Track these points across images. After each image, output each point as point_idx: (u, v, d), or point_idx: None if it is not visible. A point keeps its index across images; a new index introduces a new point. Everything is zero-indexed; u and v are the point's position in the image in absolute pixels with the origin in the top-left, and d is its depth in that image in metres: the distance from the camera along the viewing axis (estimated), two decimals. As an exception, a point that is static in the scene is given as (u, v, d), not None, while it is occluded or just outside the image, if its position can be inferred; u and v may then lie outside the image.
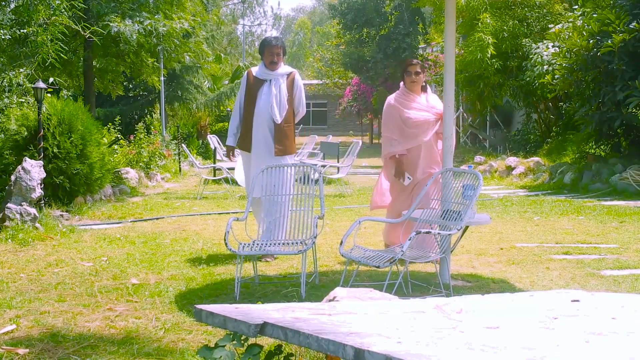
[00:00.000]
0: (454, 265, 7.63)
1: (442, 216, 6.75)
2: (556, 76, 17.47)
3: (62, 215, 11.12)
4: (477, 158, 22.84)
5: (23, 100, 13.74)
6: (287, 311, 3.28)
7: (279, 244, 6.98)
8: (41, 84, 11.30)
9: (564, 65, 17.04)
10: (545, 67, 18.36)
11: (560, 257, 8.39)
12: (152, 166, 19.38)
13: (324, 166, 17.65)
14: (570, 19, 18.05)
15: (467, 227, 6.99)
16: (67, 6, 13.08)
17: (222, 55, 42.03)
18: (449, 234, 6.39)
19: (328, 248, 8.85)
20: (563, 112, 22.32)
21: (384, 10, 43.86)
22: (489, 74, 21.99)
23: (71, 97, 18.83)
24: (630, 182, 14.93)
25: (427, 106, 7.99)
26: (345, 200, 15.10)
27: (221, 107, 34.01)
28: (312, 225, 6.82)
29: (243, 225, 7.11)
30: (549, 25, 21.03)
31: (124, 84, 23.92)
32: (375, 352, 2.45)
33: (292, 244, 6.92)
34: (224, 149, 17.47)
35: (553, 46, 18.59)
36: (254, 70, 8.57)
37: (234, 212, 12.09)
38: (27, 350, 4.82)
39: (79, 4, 13.42)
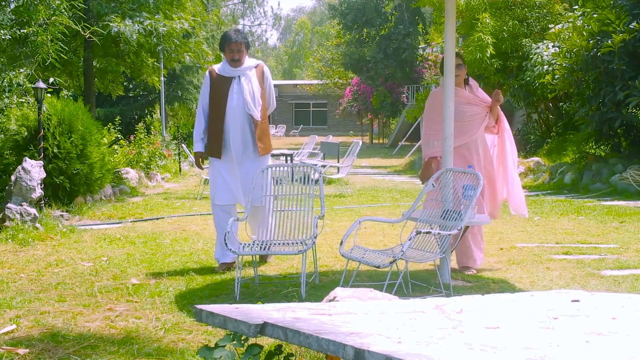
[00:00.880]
0: (454, 265, 7.63)
1: (442, 216, 6.75)
2: (556, 76, 17.48)
3: (62, 216, 11.12)
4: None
5: (23, 101, 13.74)
6: (287, 311, 3.28)
7: (279, 244, 6.98)
8: (41, 84, 11.31)
9: (564, 65, 17.05)
10: (546, 67, 18.38)
11: (560, 257, 8.39)
12: (152, 166, 19.39)
13: (324, 166, 17.64)
14: (571, 19, 18.07)
15: (467, 227, 6.98)
16: (67, 6, 13.09)
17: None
18: (449, 234, 6.39)
19: (328, 248, 8.84)
20: (563, 112, 22.31)
21: (384, 10, 43.92)
22: (489, 74, 22.00)
23: (71, 97, 18.84)
24: (631, 182, 14.93)
25: (474, 99, 7.67)
26: (346, 200, 15.10)
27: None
28: (312, 226, 6.82)
29: (243, 225, 7.11)
30: (549, 26, 21.05)
31: (124, 84, 23.95)
32: (375, 352, 2.45)
33: (292, 244, 6.91)
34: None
35: (553, 46, 18.60)
36: (217, 68, 7.87)
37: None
38: (27, 350, 4.82)
39: (79, 4, 13.43)
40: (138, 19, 15.96)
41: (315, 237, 6.66)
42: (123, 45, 16.20)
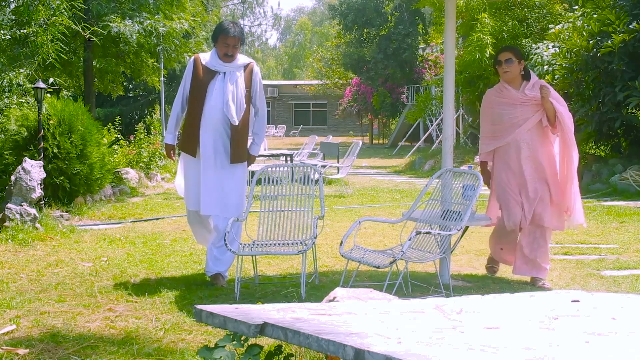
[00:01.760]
0: (454, 265, 7.63)
1: (442, 216, 6.75)
2: (556, 76, 17.47)
3: (62, 216, 11.12)
4: (477, 158, 22.84)
5: (23, 101, 13.73)
6: (287, 311, 3.28)
7: (279, 244, 6.97)
8: (41, 84, 11.31)
9: (564, 65, 17.04)
10: (546, 67, 18.36)
11: (560, 257, 8.39)
12: (152, 166, 19.37)
13: (324, 166, 17.64)
14: (570, 20, 18.06)
15: (467, 227, 6.99)
16: (67, 6, 13.08)
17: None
18: (449, 234, 6.39)
19: (328, 248, 8.84)
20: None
21: (384, 10, 43.93)
22: (489, 74, 21.98)
23: (71, 98, 18.80)
24: (631, 182, 14.93)
25: (521, 98, 6.89)
26: (346, 200, 15.10)
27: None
28: (312, 226, 6.82)
29: (242, 225, 7.10)
30: (549, 26, 21.04)
31: (124, 84, 23.92)
32: (375, 353, 2.45)
33: (292, 244, 6.91)
34: None
35: (553, 46, 18.59)
36: (204, 57, 7.12)
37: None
38: (27, 350, 4.82)
39: (79, 4, 13.42)
40: (138, 19, 15.95)
41: (315, 238, 6.66)
42: (123, 45, 16.18)
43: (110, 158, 15.08)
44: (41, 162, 10.74)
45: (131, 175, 16.57)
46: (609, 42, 15.04)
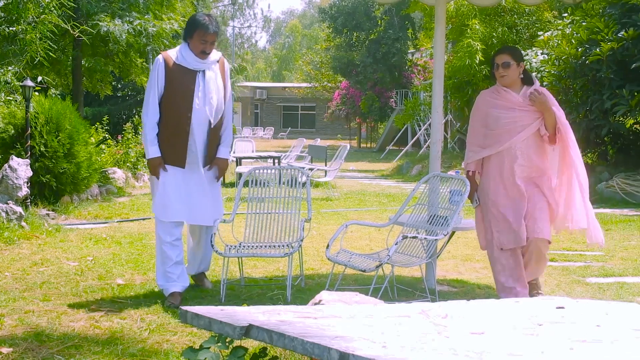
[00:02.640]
0: (439, 270, 7.64)
1: (429, 221, 6.76)
2: (544, 83, 17.52)
3: (48, 214, 11.08)
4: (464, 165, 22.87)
5: (11, 99, 13.70)
6: (272, 314, 3.27)
7: (265, 246, 6.96)
8: (29, 82, 11.27)
9: (553, 72, 17.10)
10: (534, 74, 18.42)
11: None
12: (139, 166, 19.33)
13: (311, 169, 17.65)
14: (560, 27, 18.14)
15: (453, 232, 7.00)
16: (56, 5, 13.04)
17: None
18: (436, 239, 6.39)
19: (314, 251, 8.84)
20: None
21: (374, 14, 43.99)
22: (478, 80, 22.06)
23: (59, 96, 18.75)
24: (617, 190, 14.99)
25: (521, 103, 6.30)
26: (333, 203, 15.10)
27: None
28: (298, 228, 6.81)
29: (229, 227, 7.09)
30: (538, 33, 21.12)
31: (113, 83, 23.83)
32: (360, 356, 2.45)
33: (279, 246, 6.90)
34: None
35: (542, 53, 18.67)
36: (173, 55, 6.46)
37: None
38: (11, 349, 4.80)
39: (69, 3, 13.38)
40: (128, 19, 15.92)
41: (301, 240, 6.65)
42: (112, 44, 16.14)
43: (98, 157, 15.05)
44: (28, 161, 10.70)
45: (118, 175, 16.52)
46: (598, 50, 15.11)
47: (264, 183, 7.20)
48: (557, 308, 3.62)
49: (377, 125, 50.57)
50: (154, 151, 6.35)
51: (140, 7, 16.68)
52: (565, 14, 18.92)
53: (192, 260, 6.96)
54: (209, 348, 3.33)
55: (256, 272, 7.70)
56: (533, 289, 6.47)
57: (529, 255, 6.27)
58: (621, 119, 15.62)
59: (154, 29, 15.93)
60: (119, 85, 31.48)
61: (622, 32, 14.97)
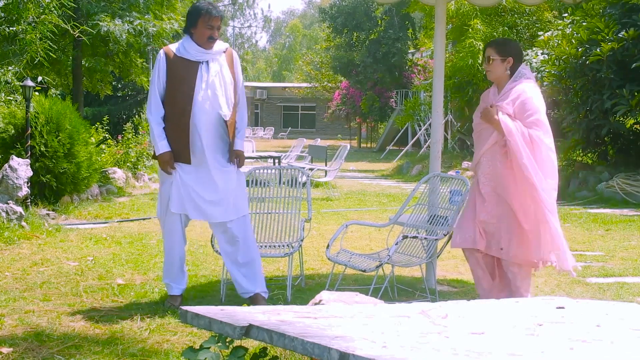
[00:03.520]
0: (439, 270, 7.63)
1: (429, 221, 6.76)
2: (545, 83, 17.53)
3: (48, 214, 11.08)
4: (465, 164, 22.89)
5: (11, 98, 13.70)
6: (272, 314, 3.27)
7: (265, 246, 6.96)
8: (29, 82, 11.27)
9: (553, 72, 17.10)
10: (534, 74, 18.43)
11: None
12: (139, 166, 19.33)
13: (311, 169, 17.64)
14: (560, 27, 18.14)
15: (453, 232, 7.00)
16: (56, 5, 13.04)
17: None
18: (436, 239, 6.39)
19: (315, 251, 8.84)
20: (551, 119, 22.36)
21: (374, 14, 43.99)
22: (478, 80, 22.06)
23: (59, 96, 18.77)
24: (617, 190, 14.98)
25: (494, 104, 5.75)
26: (333, 203, 15.10)
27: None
28: (299, 228, 6.81)
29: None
30: (539, 33, 21.13)
31: (113, 83, 23.87)
32: (360, 356, 2.45)
33: (279, 246, 6.90)
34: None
35: (542, 53, 18.67)
36: (174, 48, 6.18)
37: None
38: (11, 349, 4.80)
39: (69, 3, 13.38)
40: (128, 19, 15.93)
41: (301, 240, 6.66)
42: (112, 44, 16.15)
43: (98, 157, 15.05)
44: (28, 160, 10.70)
45: (118, 175, 16.52)
46: (598, 50, 15.10)
47: (264, 183, 7.19)
48: (557, 308, 3.62)
49: (377, 125, 50.57)
50: (162, 146, 6.07)
51: (141, 7, 16.70)
52: (566, 14, 18.93)
53: (238, 278, 6.30)
54: (209, 348, 3.32)
55: (256, 272, 7.69)
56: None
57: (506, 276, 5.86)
58: (621, 119, 15.62)
59: (154, 29, 15.94)
60: (119, 85, 31.52)
61: (623, 32, 14.97)
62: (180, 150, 6.08)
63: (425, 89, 28.07)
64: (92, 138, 15.03)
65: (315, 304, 4.46)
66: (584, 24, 16.30)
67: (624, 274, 7.89)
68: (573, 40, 16.69)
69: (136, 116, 31.93)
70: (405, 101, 31.32)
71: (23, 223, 9.75)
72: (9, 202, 9.85)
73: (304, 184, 7.08)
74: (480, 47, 20.88)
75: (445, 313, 3.35)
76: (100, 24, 15.39)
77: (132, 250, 8.78)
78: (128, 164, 18.63)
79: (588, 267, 8.22)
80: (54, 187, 11.98)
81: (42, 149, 11.71)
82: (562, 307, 3.63)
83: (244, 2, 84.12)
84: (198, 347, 3.36)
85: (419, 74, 41.24)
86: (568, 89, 16.99)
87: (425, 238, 6.39)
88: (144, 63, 19.54)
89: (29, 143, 11.38)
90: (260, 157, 19.22)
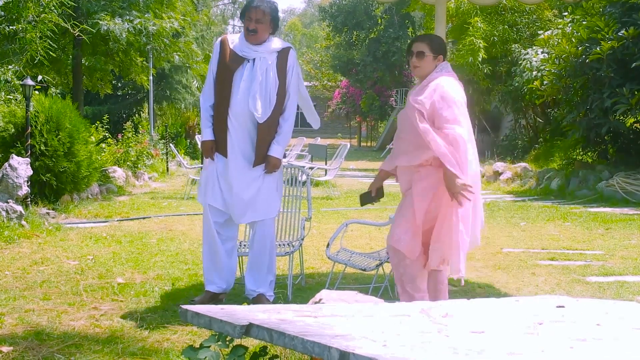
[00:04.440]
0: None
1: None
2: (545, 82, 17.54)
3: (48, 213, 11.08)
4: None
5: (11, 97, 13.69)
6: (272, 313, 3.27)
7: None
8: (29, 81, 11.26)
9: (553, 71, 17.11)
10: (534, 73, 18.45)
11: (546, 262, 8.42)
12: (139, 165, 19.35)
13: (311, 168, 17.64)
14: (560, 26, 18.15)
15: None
16: (56, 4, 13.04)
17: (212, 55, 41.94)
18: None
19: (315, 250, 8.84)
20: (551, 118, 22.41)
21: (374, 13, 44.00)
22: (479, 78, 22.07)
23: (59, 95, 18.78)
24: (617, 189, 14.98)
25: (409, 101, 5.44)
26: (333, 202, 15.10)
27: (210, 108, 34.02)
28: (299, 227, 6.81)
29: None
30: (539, 32, 21.13)
31: (113, 82, 23.88)
32: (360, 355, 2.45)
33: (279, 245, 6.89)
34: None
35: (542, 52, 18.67)
36: (232, 40, 6.16)
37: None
38: (11, 348, 4.80)
39: (69, 2, 13.38)
40: (128, 18, 15.93)
41: (302, 239, 6.66)
42: (112, 43, 16.16)
43: (98, 156, 15.06)
44: (28, 159, 10.70)
45: (118, 174, 16.53)
46: (598, 49, 15.10)
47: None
48: (557, 307, 3.61)
49: (378, 124, 50.59)
50: (205, 134, 6.12)
51: (141, 5, 16.71)
52: (566, 13, 18.94)
53: (247, 282, 6.34)
54: (209, 347, 3.32)
55: (256, 271, 7.68)
56: None
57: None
58: (621, 117, 15.61)
59: (154, 27, 15.95)
60: (119, 84, 31.53)
61: (623, 31, 14.97)
62: (219, 142, 6.08)
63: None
64: (92, 137, 15.05)
65: (316, 302, 4.46)
66: (584, 22, 16.29)
67: (624, 272, 7.89)
68: (573, 39, 16.70)
69: (136, 115, 32.00)
70: (406, 99, 31.30)
71: (23, 222, 9.75)
72: (9, 201, 9.85)
73: (304, 182, 7.08)
74: (481, 45, 20.89)
75: (446, 312, 3.35)
76: (100, 22, 15.39)
77: (132, 249, 8.79)
78: (128, 162, 18.65)
79: (588, 265, 8.22)
80: (54, 186, 11.98)
81: (42, 147, 11.71)
82: (562, 306, 3.62)
83: (244, 1, 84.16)
84: (198, 346, 3.35)
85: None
86: (568, 87, 16.99)
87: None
88: (144, 62, 19.54)
89: (29, 142, 11.38)
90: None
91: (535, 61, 18.73)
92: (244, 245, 6.83)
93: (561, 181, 16.92)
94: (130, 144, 19.51)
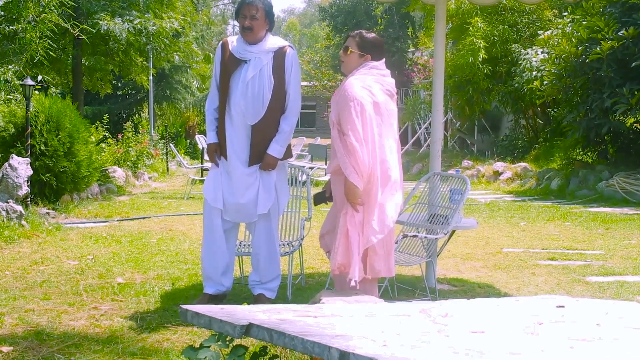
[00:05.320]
0: (440, 269, 7.63)
1: (429, 220, 6.75)
2: (545, 82, 17.54)
3: (48, 213, 11.08)
4: (465, 162, 22.90)
5: (11, 97, 13.69)
6: (272, 313, 3.27)
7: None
8: (29, 81, 11.26)
9: (553, 71, 17.10)
10: (534, 73, 18.45)
11: (546, 262, 8.42)
12: (139, 165, 19.36)
13: (311, 168, 17.63)
14: (560, 26, 18.14)
15: (453, 231, 7.00)
16: (56, 4, 13.04)
17: (212, 55, 42.00)
18: (436, 238, 6.39)
19: (315, 250, 8.83)
20: (551, 118, 22.41)
21: (374, 13, 43.98)
22: (479, 79, 22.07)
23: (59, 95, 18.79)
24: (617, 189, 14.98)
25: (334, 96, 5.43)
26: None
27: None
28: (299, 227, 6.81)
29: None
30: (539, 32, 21.13)
31: (113, 82, 23.89)
32: (360, 355, 2.45)
33: (279, 245, 6.89)
34: None
35: (542, 52, 18.67)
36: (232, 42, 6.10)
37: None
38: (11, 348, 4.80)
39: (69, 2, 13.38)
40: (128, 18, 15.94)
41: (302, 239, 6.66)
42: (112, 43, 16.16)
43: (98, 156, 15.06)
44: (28, 159, 10.69)
45: (118, 173, 16.53)
46: (598, 48, 15.10)
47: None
48: (557, 307, 3.62)
49: (377, 124, 50.48)
50: (209, 137, 6.14)
51: (141, 5, 16.71)
52: (566, 13, 18.92)
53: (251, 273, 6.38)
54: (209, 347, 3.32)
55: (256, 271, 7.68)
56: None
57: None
58: (621, 117, 15.61)
59: (154, 27, 15.95)
60: (119, 84, 31.54)
61: (623, 31, 14.96)
62: (221, 144, 6.08)
63: (425, 87, 28.07)
64: (92, 137, 15.05)
65: (316, 302, 4.46)
66: (584, 22, 16.28)
67: (624, 272, 7.89)
68: (573, 39, 16.69)
69: (136, 115, 31.99)
70: (406, 98, 31.33)
71: (23, 222, 9.75)
72: (9, 200, 9.84)
73: (304, 182, 7.08)
74: (481, 45, 20.89)
75: (446, 312, 3.35)
76: (100, 22, 15.39)
77: (132, 249, 8.79)
78: (128, 162, 18.65)
79: (588, 265, 8.22)
80: (54, 186, 11.98)
81: (42, 147, 11.71)
82: (562, 306, 3.63)
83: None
84: (198, 346, 3.36)
85: (419, 72, 41.22)
86: (568, 87, 16.98)
87: (425, 237, 6.39)
88: (144, 62, 19.55)
89: (29, 142, 11.38)
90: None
91: (535, 61, 18.72)
92: (244, 245, 6.82)
93: (561, 181, 16.92)
94: (130, 144, 19.52)
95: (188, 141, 34.22)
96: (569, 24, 17.35)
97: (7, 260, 7.91)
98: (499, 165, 20.52)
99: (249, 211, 6.10)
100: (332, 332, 2.83)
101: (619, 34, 15.05)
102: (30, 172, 10.51)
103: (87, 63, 18.21)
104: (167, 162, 23.17)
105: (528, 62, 19.13)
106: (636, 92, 14.56)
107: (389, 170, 5.30)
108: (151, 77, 24.78)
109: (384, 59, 5.52)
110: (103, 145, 18.22)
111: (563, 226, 11.44)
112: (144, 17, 16.05)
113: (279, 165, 6.18)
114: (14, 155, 10.50)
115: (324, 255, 7.91)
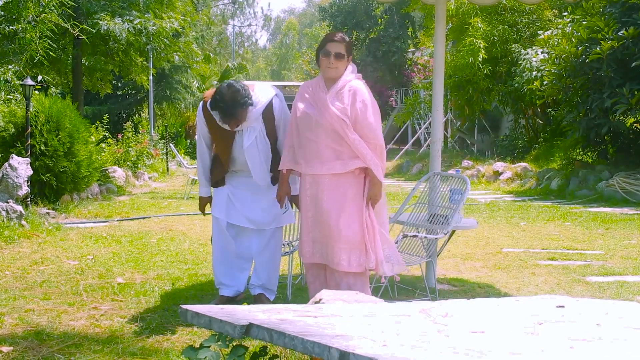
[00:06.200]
0: (440, 269, 7.63)
1: (429, 220, 6.75)
2: (545, 82, 17.53)
3: (48, 213, 11.08)
4: (465, 162, 22.89)
5: (11, 97, 13.70)
6: (272, 313, 3.27)
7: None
8: (29, 81, 11.26)
9: (553, 71, 17.10)
10: (534, 73, 18.44)
11: (546, 262, 8.42)
12: (139, 165, 19.37)
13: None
14: (560, 26, 18.14)
15: (453, 231, 6.99)
16: (56, 4, 13.04)
17: (212, 55, 42.03)
18: (436, 238, 6.39)
19: (315, 250, 8.82)
20: (551, 118, 22.41)
21: (374, 13, 43.94)
22: (478, 79, 22.06)
23: (59, 95, 18.79)
24: (617, 189, 14.99)
25: (322, 104, 5.43)
26: (333, 202, 15.07)
27: (209, 108, 34.06)
28: (299, 227, 6.80)
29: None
30: (539, 32, 21.12)
31: (113, 82, 23.89)
32: (360, 355, 2.45)
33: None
34: None
35: (542, 52, 18.66)
36: (216, 115, 5.75)
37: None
38: (11, 348, 4.80)
39: (69, 2, 13.38)
40: (128, 18, 15.94)
41: (302, 239, 6.65)
42: (112, 43, 16.17)
43: (98, 156, 15.07)
44: (28, 159, 10.70)
45: (118, 173, 16.54)
46: (598, 48, 15.10)
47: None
48: (557, 307, 3.61)
49: (377, 124, 50.51)
50: (202, 191, 6.21)
51: (141, 5, 16.71)
52: (566, 13, 18.92)
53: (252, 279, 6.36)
54: (209, 347, 3.32)
55: (256, 271, 7.68)
56: None
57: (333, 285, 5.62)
58: (621, 117, 15.61)
59: (154, 27, 15.95)
60: (119, 84, 31.54)
61: (623, 31, 14.96)
62: (218, 178, 6.10)
63: (425, 87, 28.06)
64: (92, 137, 15.06)
65: (316, 302, 4.46)
66: (584, 22, 16.28)
67: (624, 272, 7.89)
68: (573, 39, 16.69)
69: (136, 115, 32.00)
70: (406, 98, 31.33)
71: (23, 222, 9.75)
72: (9, 200, 9.85)
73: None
74: (481, 45, 20.88)
75: (446, 312, 3.35)
76: (100, 22, 15.39)
77: (132, 249, 8.79)
78: (128, 162, 18.67)
79: (588, 265, 8.22)
80: (54, 186, 11.99)
81: (42, 147, 11.71)
82: (562, 306, 3.62)
83: (244, 1, 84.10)
84: (198, 346, 3.35)
85: (419, 72, 41.22)
86: (568, 87, 16.98)
87: (425, 237, 6.38)
88: (144, 62, 19.55)
89: (29, 142, 11.38)
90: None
91: (535, 61, 18.72)
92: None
93: (561, 181, 16.92)
94: (130, 144, 19.53)
95: (188, 141, 34.22)
96: (569, 24, 17.35)
97: (7, 260, 7.91)
98: (499, 165, 20.52)
99: (261, 224, 6.10)
100: (332, 332, 2.83)
101: (619, 34, 15.05)
102: (30, 172, 10.52)
103: (87, 63, 18.21)
104: (167, 162, 23.18)
105: (528, 62, 19.13)
106: (636, 92, 14.56)
107: None
108: (151, 77, 24.79)
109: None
110: (103, 145, 18.23)
111: (563, 226, 11.44)
112: (144, 17, 16.06)
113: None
114: (14, 155, 10.51)
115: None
